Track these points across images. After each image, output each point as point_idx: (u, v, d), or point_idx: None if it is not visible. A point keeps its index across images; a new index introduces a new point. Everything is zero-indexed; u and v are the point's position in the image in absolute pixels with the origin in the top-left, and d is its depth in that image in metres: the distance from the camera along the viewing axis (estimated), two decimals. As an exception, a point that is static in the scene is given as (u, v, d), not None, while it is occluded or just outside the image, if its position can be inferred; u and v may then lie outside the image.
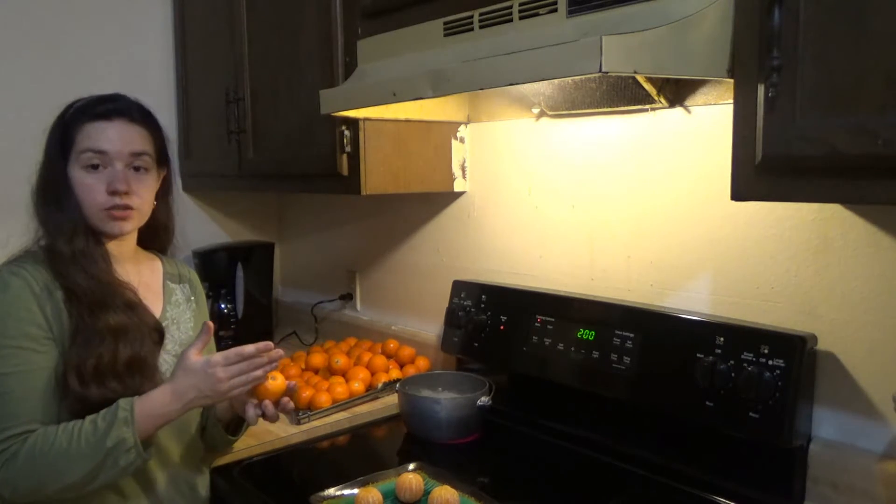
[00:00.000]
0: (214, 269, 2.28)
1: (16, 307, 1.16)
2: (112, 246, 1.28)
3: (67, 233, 1.21)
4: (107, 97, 1.28)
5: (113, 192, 1.22)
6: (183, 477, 1.32)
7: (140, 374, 1.20)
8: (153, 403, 1.16)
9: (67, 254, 1.20)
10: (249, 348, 1.20)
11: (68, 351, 1.17)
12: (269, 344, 1.23)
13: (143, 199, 1.27)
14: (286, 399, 1.30)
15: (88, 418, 1.14)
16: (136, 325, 1.22)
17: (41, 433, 1.12)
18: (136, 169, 1.26)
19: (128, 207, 1.24)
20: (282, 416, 1.66)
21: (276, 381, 1.28)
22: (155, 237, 1.40)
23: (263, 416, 1.28)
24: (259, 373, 1.21)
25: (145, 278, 1.35)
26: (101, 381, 1.16)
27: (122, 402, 1.14)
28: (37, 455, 1.11)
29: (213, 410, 1.37)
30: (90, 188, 1.22)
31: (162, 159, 1.33)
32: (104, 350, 1.17)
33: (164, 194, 1.37)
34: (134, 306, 1.25)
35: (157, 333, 1.28)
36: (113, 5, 2.22)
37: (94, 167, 1.22)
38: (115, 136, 1.23)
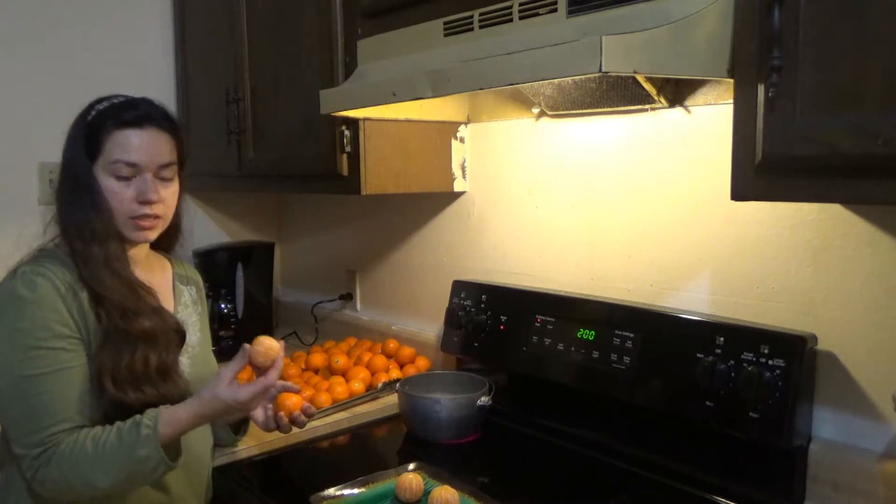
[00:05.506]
0: (214, 269, 2.28)
1: (44, 307, 1.15)
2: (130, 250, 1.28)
3: (100, 236, 1.19)
4: (134, 101, 1.24)
5: (143, 202, 1.22)
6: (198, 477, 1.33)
7: (169, 380, 1.21)
8: (177, 409, 1.16)
9: (100, 257, 1.19)
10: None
11: (99, 354, 1.16)
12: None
13: (168, 207, 1.27)
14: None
15: (115, 427, 1.14)
16: (162, 330, 1.23)
17: (71, 438, 1.12)
18: (163, 179, 1.25)
19: (156, 217, 1.24)
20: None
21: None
22: (166, 236, 1.38)
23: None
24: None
25: (157, 279, 1.34)
26: (136, 385, 1.17)
27: (147, 416, 1.14)
28: (65, 459, 1.11)
29: None
30: (119, 196, 1.21)
31: (182, 163, 1.32)
32: (137, 356, 1.17)
33: (180, 194, 1.35)
34: (157, 310, 1.25)
35: (179, 335, 1.28)
36: (113, 5, 2.22)
37: (125, 177, 1.21)
38: (146, 147, 1.21)
